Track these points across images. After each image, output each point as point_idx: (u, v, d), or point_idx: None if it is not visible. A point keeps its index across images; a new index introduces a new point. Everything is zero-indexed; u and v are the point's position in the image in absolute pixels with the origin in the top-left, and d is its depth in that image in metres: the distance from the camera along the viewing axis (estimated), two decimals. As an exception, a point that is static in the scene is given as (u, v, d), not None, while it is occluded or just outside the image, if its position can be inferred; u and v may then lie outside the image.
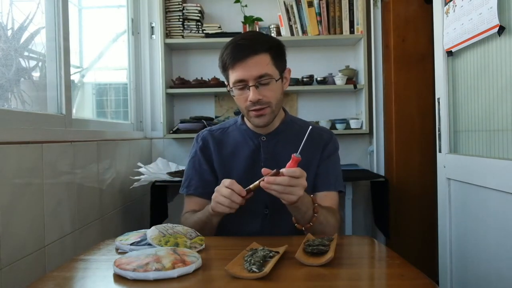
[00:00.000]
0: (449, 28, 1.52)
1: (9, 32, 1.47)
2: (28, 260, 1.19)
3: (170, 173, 2.15)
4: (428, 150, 2.36)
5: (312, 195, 1.14)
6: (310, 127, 1.07)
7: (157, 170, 2.20)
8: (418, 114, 2.47)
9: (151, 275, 0.76)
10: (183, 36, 2.55)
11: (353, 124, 2.54)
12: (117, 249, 0.99)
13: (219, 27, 2.57)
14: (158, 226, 1.00)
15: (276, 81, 1.18)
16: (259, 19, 2.54)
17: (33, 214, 1.23)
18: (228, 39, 1.21)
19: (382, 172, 2.50)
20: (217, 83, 2.53)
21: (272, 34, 2.56)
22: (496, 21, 1.20)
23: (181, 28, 2.55)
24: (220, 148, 1.30)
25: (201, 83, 2.56)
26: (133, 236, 1.02)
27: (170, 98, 2.65)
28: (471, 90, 1.44)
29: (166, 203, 2.29)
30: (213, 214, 1.11)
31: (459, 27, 1.44)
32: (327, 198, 1.24)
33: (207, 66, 2.67)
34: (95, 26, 2.32)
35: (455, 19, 1.47)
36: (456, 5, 1.46)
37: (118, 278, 0.78)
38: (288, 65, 1.27)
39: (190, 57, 2.73)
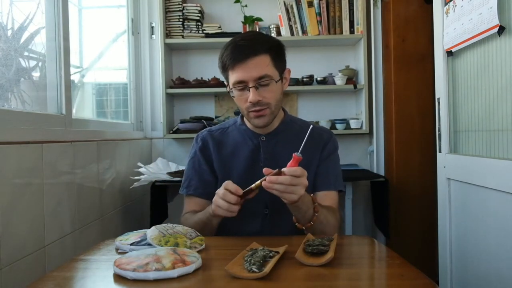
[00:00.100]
0: (449, 28, 1.52)
1: (9, 32, 1.47)
2: (28, 260, 1.19)
3: (170, 173, 2.15)
4: (428, 150, 2.36)
5: (312, 195, 1.14)
6: (311, 126, 1.07)
7: (157, 170, 2.20)
8: (418, 114, 2.47)
9: (151, 275, 0.76)
10: (183, 36, 2.55)
11: (353, 124, 2.54)
12: (117, 249, 0.99)
13: (219, 27, 2.58)
14: (158, 226, 1.00)
15: (276, 82, 1.18)
16: (259, 19, 2.54)
17: (33, 214, 1.23)
18: (228, 39, 1.21)
19: (382, 172, 2.50)
20: (217, 83, 2.53)
21: (272, 34, 2.56)
22: (496, 21, 1.20)
23: (181, 28, 2.55)
24: (220, 148, 1.30)
25: (201, 83, 2.56)
26: (133, 236, 1.02)
27: (170, 98, 2.65)
28: (471, 90, 1.44)
29: (166, 203, 2.29)
30: (213, 216, 1.11)
31: (459, 27, 1.44)
32: (327, 197, 1.24)
33: (207, 66, 2.67)
34: (95, 26, 2.32)
35: (455, 19, 1.47)
36: (456, 5, 1.46)
37: (118, 278, 0.78)
38: (288, 65, 1.27)
39: (190, 57, 2.73)
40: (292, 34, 2.53)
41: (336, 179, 1.29)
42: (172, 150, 2.69)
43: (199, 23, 2.57)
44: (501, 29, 1.19)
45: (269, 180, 0.99)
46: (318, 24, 2.52)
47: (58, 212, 1.38)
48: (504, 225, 1.20)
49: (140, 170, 2.11)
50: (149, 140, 2.68)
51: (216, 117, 2.71)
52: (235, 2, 2.51)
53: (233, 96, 1.21)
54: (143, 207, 2.33)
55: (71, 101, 1.65)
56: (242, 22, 2.54)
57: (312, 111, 2.68)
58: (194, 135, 1.38)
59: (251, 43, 1.16)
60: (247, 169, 1.25)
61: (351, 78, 2.58)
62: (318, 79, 2.54)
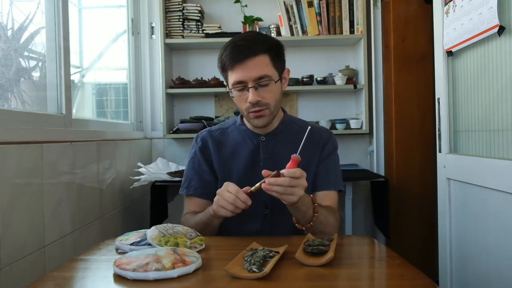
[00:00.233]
0: (449, 28, 1.52)
1: (9, 32, 1.47)
2: (28, 260, 1.19)
3: (170, 173, 2.15)
4: (428, 150, 2.36)
5: (312, 195, 1.14)
6: (309, 127, 1.07)
7: (157, 170, 2.20)
8: (418, 114, 2.47)
9: (151, 275, 0.76)
10: (183, 36, 2.55)
11: (353, 124, 2.54)
12: (117, 249, 0.99)
13: (219, 27, 2.58)
14: (158, 226, 1.00)
15: (275, 82, 1.18)
16: (259, 19, 2.54)
17: (33, 214, 1.23)
18: (228, 39, 1.20)
19: (382, 172, 2.50)
20: (217, 83, 2.53)
21: (272, 34, 2.56)
22: (496, 21, 1.20)
23: (181, 28, 2.55)
24: (220, 149, 1.30)
25: (201, 83, 2.56)
26: (133, 236, 1.02)
27: (170, 98, 2.65)
28: (471, 90, 1.44)
29: (166, 203, 2.29)
30: (214, 216, 1.11)
31: (459, 27, 1.44)
32: (327, 197, 1.24)
33: (207, 66, 2.67)
34: (95, 26, 2.32)
35: (455, 19, 1.47)
36: (456, 5, 1.46)
37: (118, 278, 0.78)
38: (288, 65, 1.26)
39: (190, 57, 2.73)
40: (292, 34, 2.53)
41: (336, 179, 1.29)
42: (172, 150, 2.69)
43: (199, 23, 2.57)
44: (501, 29, 1.19)
45: (268, 182, 0.99)
46: (318, 24, 2.52)
47: (58, 212, 1.38)
48: (504, 225, 1.20)
49: (140, 170, 2.11)
50: (149, 140, 2.68)
51: (216, 117, 2.71)
52: (235, 2, 2.51)
53: (233, 97, 1.21)
54: (143, 207, 2.33)
55: (71, 101, 1.65)
56: (242, 22, 2.55)
57: (312, 111, 2.68)
58: (194, 135, 1.38)
59: (250, 43, 1.16)
60: (247, 169, 1.25)
61: (351, 78, 2.58)
62: (318, 79, 2.54)
